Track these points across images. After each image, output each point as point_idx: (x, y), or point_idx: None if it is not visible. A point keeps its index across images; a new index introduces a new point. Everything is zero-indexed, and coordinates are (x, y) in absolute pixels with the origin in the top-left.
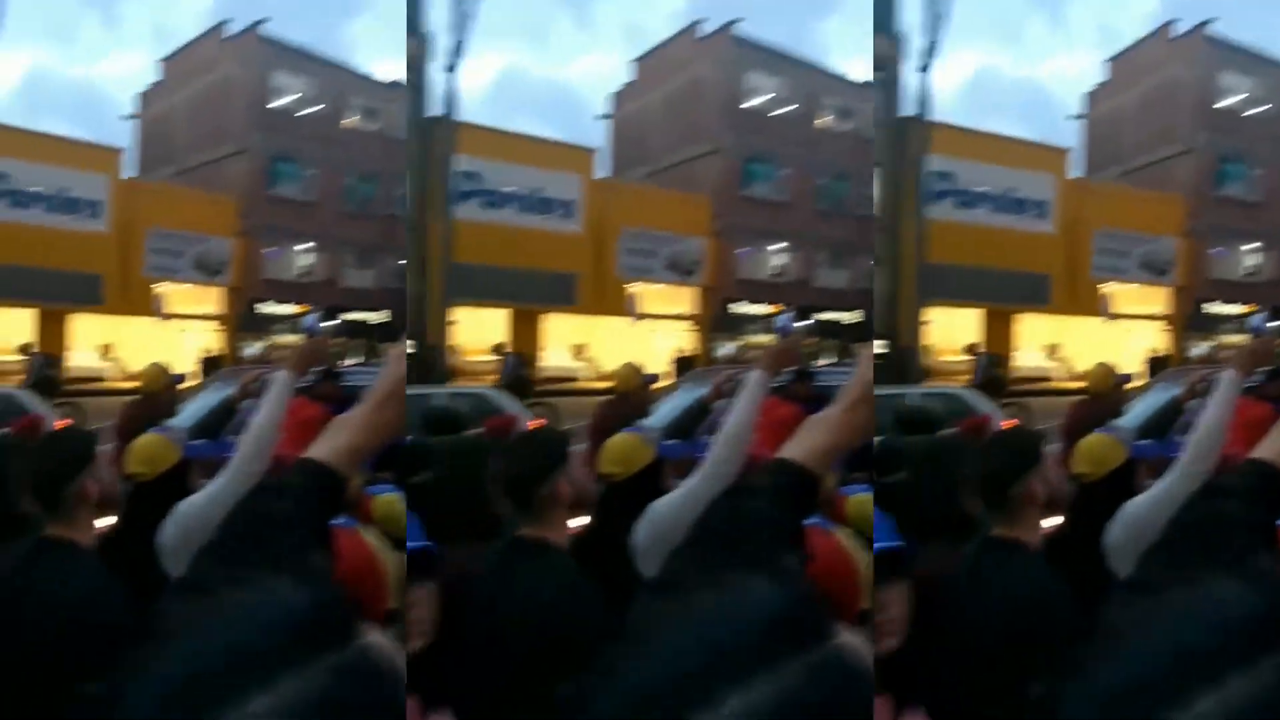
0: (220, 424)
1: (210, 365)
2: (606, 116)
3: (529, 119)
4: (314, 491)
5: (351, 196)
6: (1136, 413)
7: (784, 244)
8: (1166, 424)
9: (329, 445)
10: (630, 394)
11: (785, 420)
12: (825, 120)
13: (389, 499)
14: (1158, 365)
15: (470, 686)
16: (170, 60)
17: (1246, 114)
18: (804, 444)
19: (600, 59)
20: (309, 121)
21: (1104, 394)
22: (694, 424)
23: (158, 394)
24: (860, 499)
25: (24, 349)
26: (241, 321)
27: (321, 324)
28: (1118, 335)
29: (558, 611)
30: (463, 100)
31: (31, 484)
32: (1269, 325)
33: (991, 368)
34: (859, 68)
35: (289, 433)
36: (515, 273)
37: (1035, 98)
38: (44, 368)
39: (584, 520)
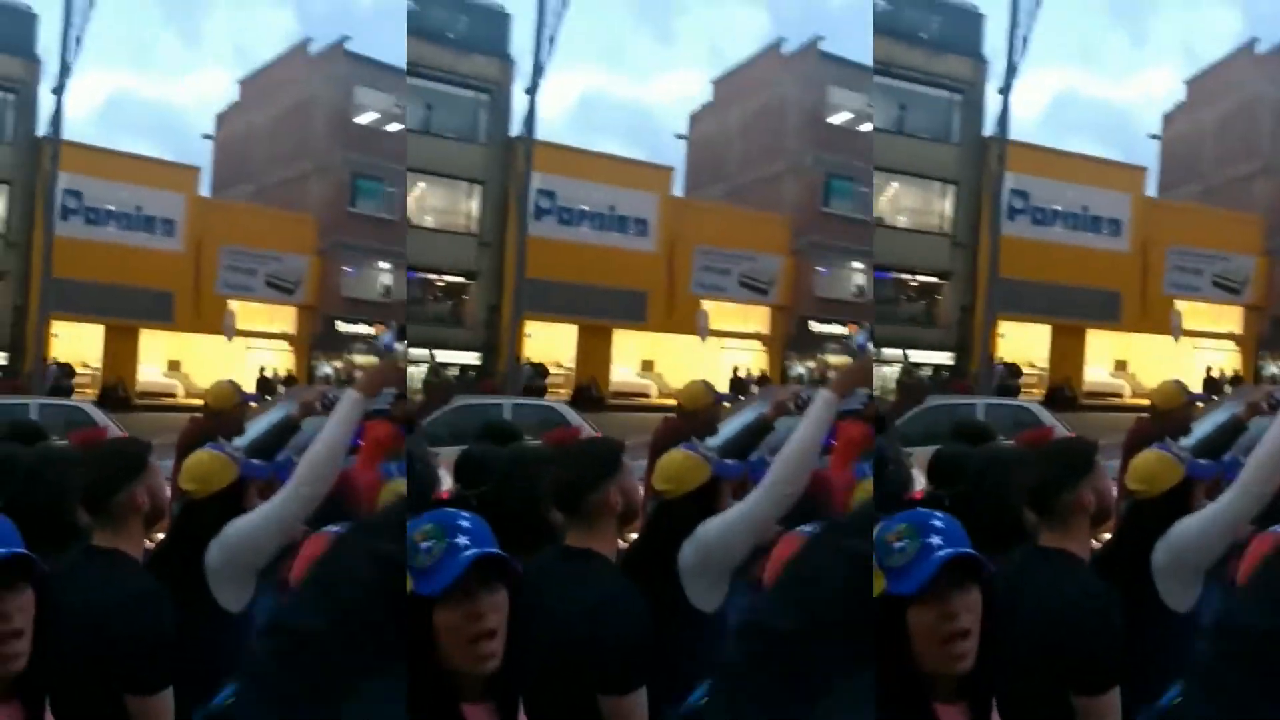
0: (278, 443)
1: (264, 384)
2: (684, 136)
3: (610, 139)
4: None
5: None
6: (1198, 432)
7: (866, 263)
8: (1225, 443)
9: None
10: (698, 412)
11: (857, 441)
12: None
13: None
14: (1211, 384)
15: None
16: (249, 80)
17: None
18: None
19: (681, 78)
20: (393, 139)
21: (1170, 412)
22: (753, 442)
23: (225, 413)
24: None
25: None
26: (320, 340)
27: (398, 344)
28: (1187, 353)
29: (599, 621)
30: (545, 120)
31: (82, 493)
32: None
33: (1007, 378)
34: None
35: (362, 452)
36: (587, 289)
37: (1116, 117)
38: (59, 378)
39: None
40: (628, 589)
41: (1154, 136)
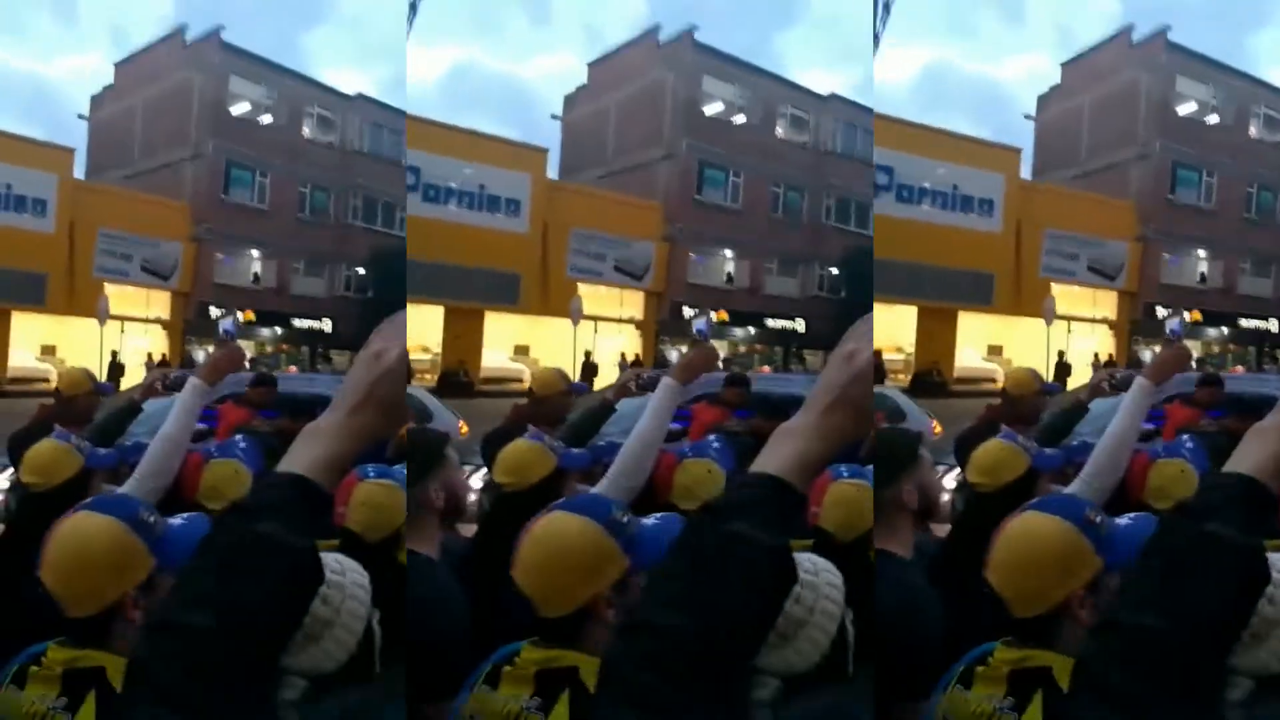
0: (120, 426)
1: (116, 370)
2: (559, 117)
3: (480, 115)
4: (298, 506)
5: (305, 205)
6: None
7: (736, 251)
8: (1067, 426)
9: (306, 456)
10: (549, 399)
11: (710, 423)
12: (783, 131)
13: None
14: (1064, 370)
15: None
16: (125, 64)
17: (1204, 121)
18: (777, 455)
19: (556, 59)
20: (266, 130)
21: (1022, 399)
22: (594, 426)
23: (76, 399)
24: None
25: None
26: (192, 326)
27: (238, 327)
28: (1061, 337)
29: (417, 625)
30: (411, 91)
31: None
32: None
33: None
34: (819, 80)
35: (218, 436)
36: (455, 269)
37: (989, 95)
38: None
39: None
40: (450, 591)
41: (1029, 117)
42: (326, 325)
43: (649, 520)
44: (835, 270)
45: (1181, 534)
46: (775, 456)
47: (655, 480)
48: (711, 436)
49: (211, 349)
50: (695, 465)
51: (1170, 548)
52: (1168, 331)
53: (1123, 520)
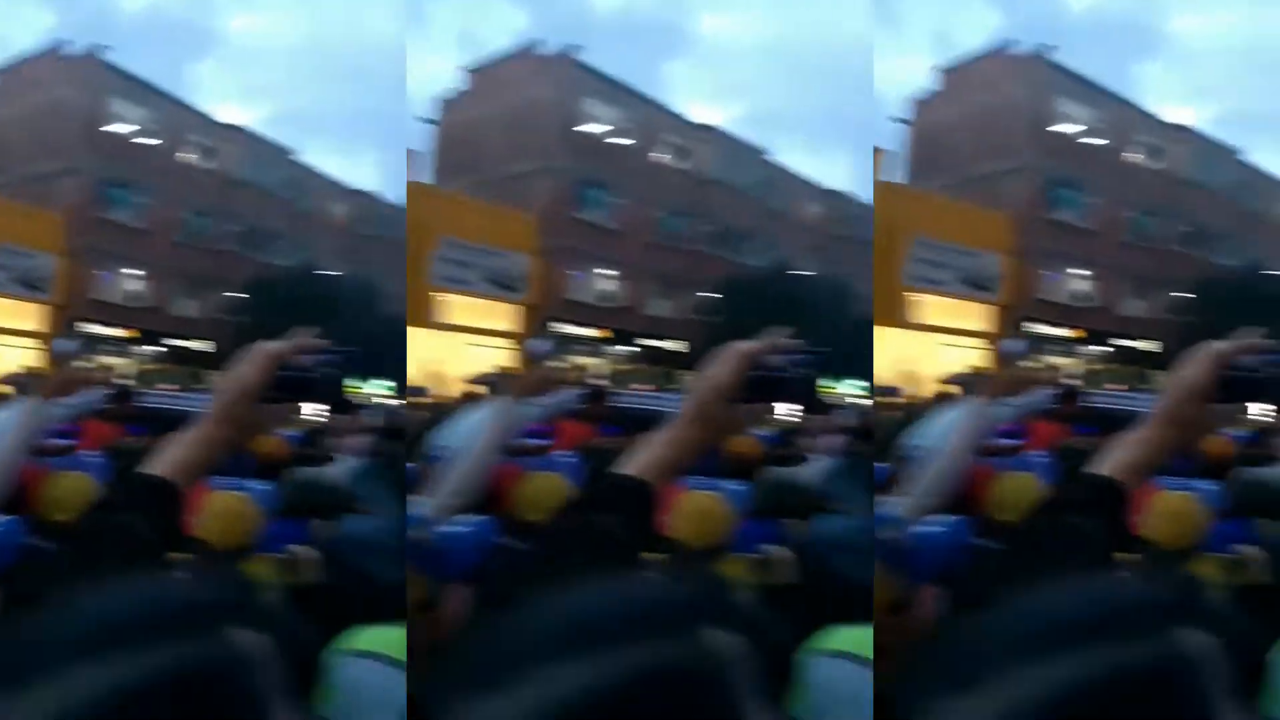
0: None
1: None
2: (432, 121)
3: None
4: (155, 502)
5: (185, 229)
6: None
7: (617, 271)
8: (895, 436)
9: (166, 459)
10: None
11: (578, 439)
12: (662, 155)
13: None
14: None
15: None
16: (2, 73)
17: (1084, 142)
18: (637, 460)
19: (429, 63)
20: (145, 151)
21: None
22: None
23: None
24: None
25: None
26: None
27: (74, 347)
28: (931, 349)
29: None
30: None
31: None
32: (1020, 349)
33: None
34: (699, 109)
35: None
36: None
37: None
38: None
39: None
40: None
41: (899, 120)
42: (204, 346)
43: (458, 528)
44: (714, 295)
45: (1045, 523)
46: (635, 461)
47: (500, 493)
48: (560, 452)
49: (85, 364)
50: (542, 479)
51: (1032, 538)
52: (1001, 351)
53: (930, 528)
